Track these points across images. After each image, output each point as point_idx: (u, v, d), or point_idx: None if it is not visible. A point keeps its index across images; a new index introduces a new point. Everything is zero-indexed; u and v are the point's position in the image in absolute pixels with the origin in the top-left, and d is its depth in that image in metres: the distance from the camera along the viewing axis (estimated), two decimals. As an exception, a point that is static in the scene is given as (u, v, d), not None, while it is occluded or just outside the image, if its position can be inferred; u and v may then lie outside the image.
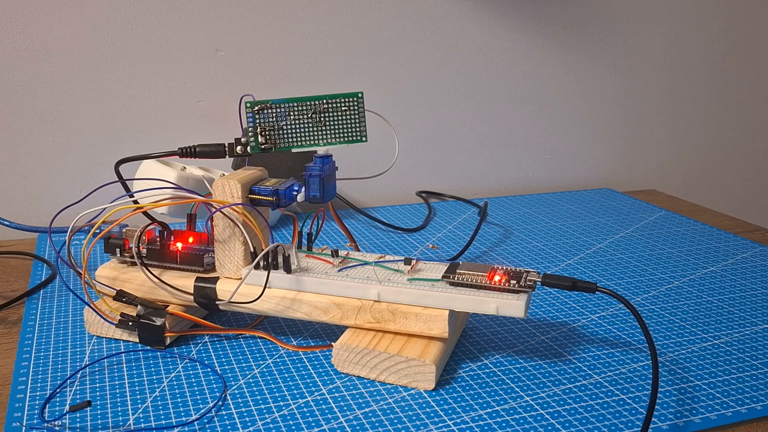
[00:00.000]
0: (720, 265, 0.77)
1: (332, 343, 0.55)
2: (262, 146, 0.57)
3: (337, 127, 0.57)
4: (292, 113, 0.57)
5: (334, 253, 0.59)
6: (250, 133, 0.57)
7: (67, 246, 0.57)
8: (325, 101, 0.57)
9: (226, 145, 0.59)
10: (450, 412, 0.50)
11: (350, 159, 0.88)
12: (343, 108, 0.57)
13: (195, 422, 0.48)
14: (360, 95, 0.57)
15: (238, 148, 0.58)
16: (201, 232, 0.61)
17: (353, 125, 0.58)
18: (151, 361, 0.56)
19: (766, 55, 1.21)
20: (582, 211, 0.97)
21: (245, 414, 0.49)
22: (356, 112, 0.57)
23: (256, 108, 0.57)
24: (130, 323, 0.57)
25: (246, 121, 0.57)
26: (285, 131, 0.57)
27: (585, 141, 1.14)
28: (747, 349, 0.58)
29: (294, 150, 0.58)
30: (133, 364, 0.56)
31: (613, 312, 0.65)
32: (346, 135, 0.58)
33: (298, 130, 0.57)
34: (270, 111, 0.57)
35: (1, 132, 0.87)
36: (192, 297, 0.58)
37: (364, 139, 0.58)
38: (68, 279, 0.71)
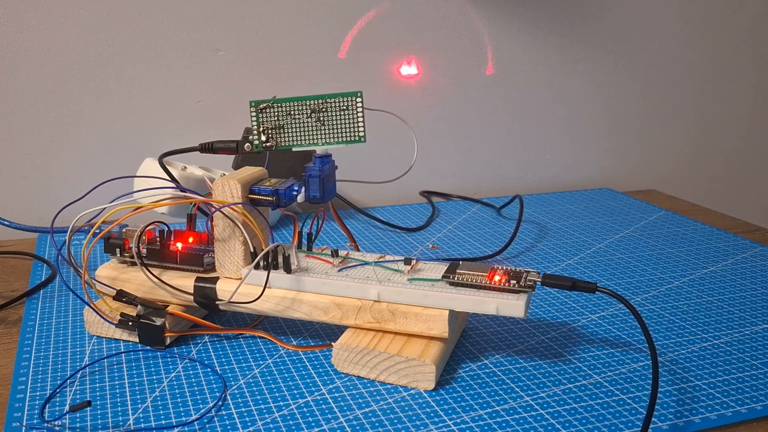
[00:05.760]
0: (720, 265, 0.77)
1: (332, 343, 0.55)
2: (265, 145, 0.57)
3: (335, 127, 0.57)
4: (292, 112, 0.57)
5: (334, 253, 0.59)
6: (254, 132, 0.57)
7: (67, 246, 0.56)
8: (323, 101, 0.57)
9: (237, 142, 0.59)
10: (450, 412, 0.50)
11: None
12: (342, 107, 0.57)
13: (195, 422, 0.48)
14: (359, 95, 0.56)
15: (246, 145, 0.58)
16: (201, 232, 0.61)
17: (351, 125, 0.57)
18: (151, 361, 0.56)
19: (766, 55, 1.21)
20: (582, 211, 0.97)
21: (245, 414, 0.49)
22: (354, 112, 0.56)
23: (260, 107, 0.57)
24: (130, 323, 0.57)
25: (250, 119, 0.57)
26: (286, 130, 0.57)
27: (585, 141, 1.14)
28: (747, 349, 0.58)
29: (294, 149, 0.58)
30: (133, 364, 0.56)
31: (613, 312, 0.65)
32: (343, 135, 0.57)
33: (297, 130, 0.57)
34: (272, 110, 0.57)
35: (1, 132, 0.87)
36: (192, 297, 0.58)
37: (362, 139, 0.57)
38: (68, 279, 0.71)
